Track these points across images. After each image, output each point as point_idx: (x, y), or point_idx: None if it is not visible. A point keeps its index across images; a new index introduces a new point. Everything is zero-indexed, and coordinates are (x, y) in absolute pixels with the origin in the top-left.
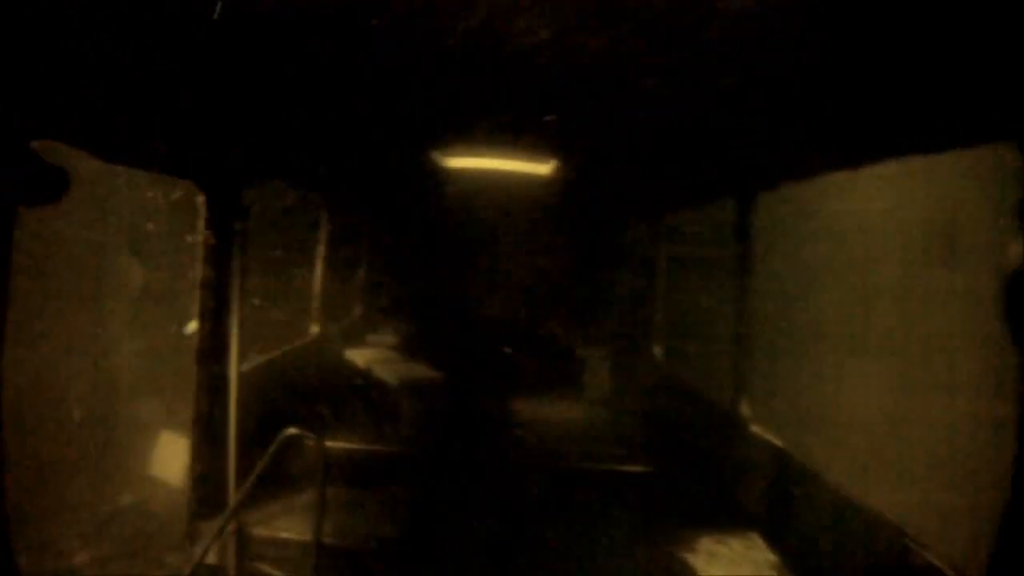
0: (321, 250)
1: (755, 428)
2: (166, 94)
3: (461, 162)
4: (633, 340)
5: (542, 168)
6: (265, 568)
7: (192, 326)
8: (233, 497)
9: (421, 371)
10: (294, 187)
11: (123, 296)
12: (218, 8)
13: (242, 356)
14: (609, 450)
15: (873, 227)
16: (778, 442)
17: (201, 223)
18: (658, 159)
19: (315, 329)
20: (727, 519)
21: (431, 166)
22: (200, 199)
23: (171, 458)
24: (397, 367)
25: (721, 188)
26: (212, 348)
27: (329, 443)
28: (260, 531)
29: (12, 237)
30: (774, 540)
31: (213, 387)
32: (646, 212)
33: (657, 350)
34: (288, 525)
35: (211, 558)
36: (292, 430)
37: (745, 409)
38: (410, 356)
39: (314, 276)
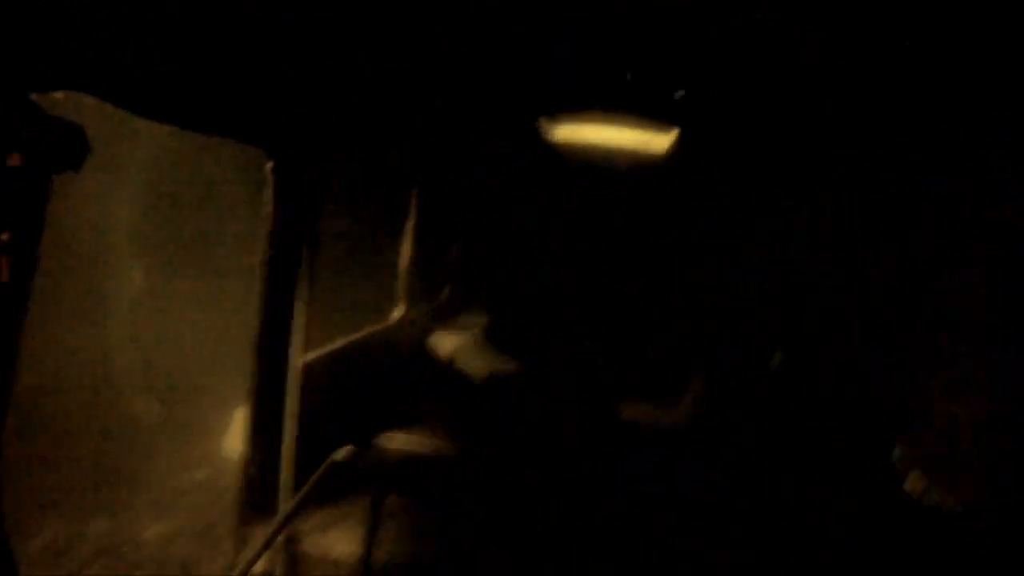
0: (409, 227)
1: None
2: (227, 41)
3: (570, 134)
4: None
5: (660, 141)
6: None
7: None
8: (285, 503)
9: (509, 364)
10: (380, 158)
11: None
12: None
13: (311, 344)
14: (710, 473)
15: None
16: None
17: (268, 193)
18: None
19: (397, 313)
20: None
21: (535, 138)
22: (268, 166)
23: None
24: (483, 358)
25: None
26: (273, 336)
27: (395, 444)
28: (310, 547)
29: (46, 208)
30: None
31: (272, 379)
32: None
33: (776, 357)
34: (341, 539)
35: (259, 567)
36: (342, 453)
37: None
38: (500, 347)
39: (400, 255)
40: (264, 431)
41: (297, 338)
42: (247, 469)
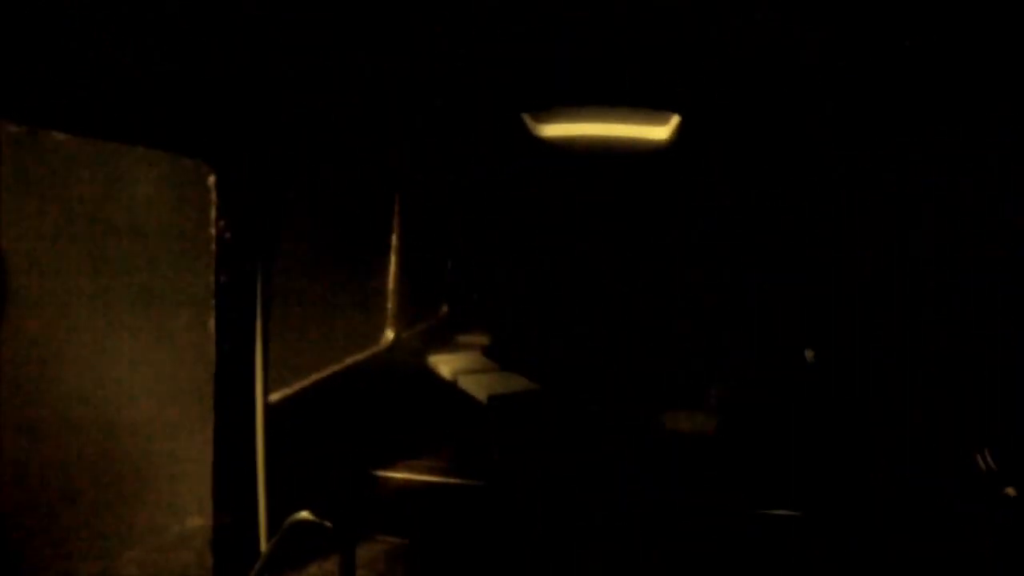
0: (394, 242)
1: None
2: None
3: (562, 129)
4: (775, 341)
5: (659, 131)
6: None
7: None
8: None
9: (517, 383)
10: (354, 166)
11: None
12: None
13: (291, 379)
14: (746, 487)
15: None
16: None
17: (212, 213)
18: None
19: (389, 335)
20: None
21: (527, 137)
22: (210, 180)
23: None
24: (488, 378)
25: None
26: (234, 375)
27: (397, 473)
28: None
29: None
30: None
31: (236, 423)
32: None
33: (809, 353)
34: None
35: None
36: (304, 514)
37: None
38: (507, 365)
39: (387, 272)
40: (232, 482)
41: (259, 375)
42: (216, 529)
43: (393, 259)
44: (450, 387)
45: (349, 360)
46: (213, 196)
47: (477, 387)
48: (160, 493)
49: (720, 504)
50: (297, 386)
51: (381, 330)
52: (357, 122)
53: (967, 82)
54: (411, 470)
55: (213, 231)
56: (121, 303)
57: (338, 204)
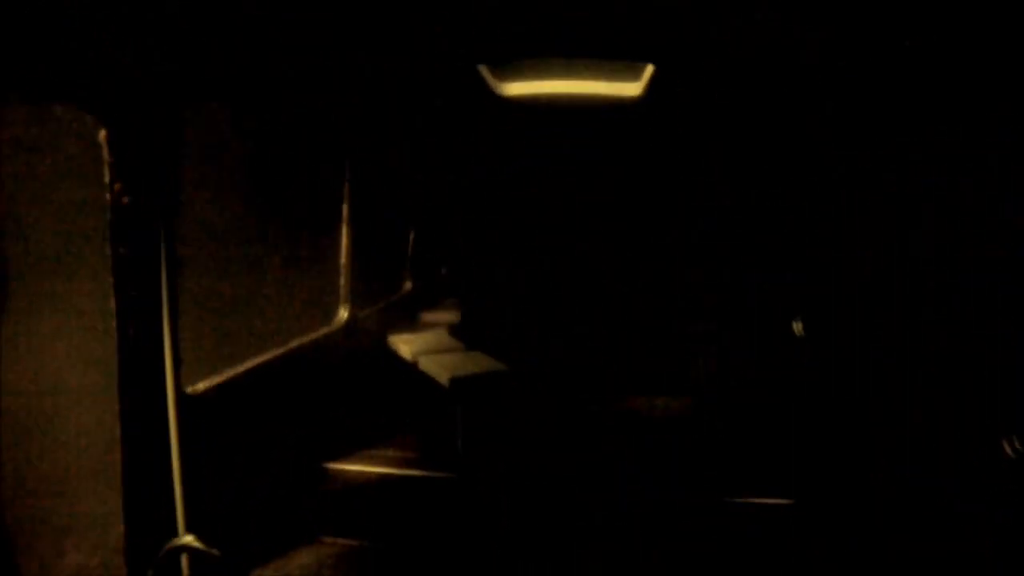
0: (346, 210)
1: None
2: None
3: (523, 87)
4: (760, 312)
5: (630, 88)
6: None
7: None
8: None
9: (483, 363)
10: (289, 120)
11: None
12: None
13: (223, 366)
14: (735, 473)
15: None
16: None
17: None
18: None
19: (342, 314)
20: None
21: (485, 92)
22: (101, 135)
23: None
24: (452, 359)
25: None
26: (141, 360)
27: (350, 465)
28: None
29: None
30: None
31: (149, 416)
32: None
33: (796, 325)
34: None
35: None
36: (187, 539)
37: None
38: (474, 343)
39: (339, 245)
40: (145, 486)
41: (169, 361)
42: (128, 538)
43: (344, 230)
44: (411, 370)
45: (295, 342)
46: (105, 154)
47: (439, 368)
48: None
49: (697, 497)
50: (230, 373)
51: (335, 308)
52: (285, 70)
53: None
54: (365, 462)
55: (107, 196)
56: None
57: (285, 167)
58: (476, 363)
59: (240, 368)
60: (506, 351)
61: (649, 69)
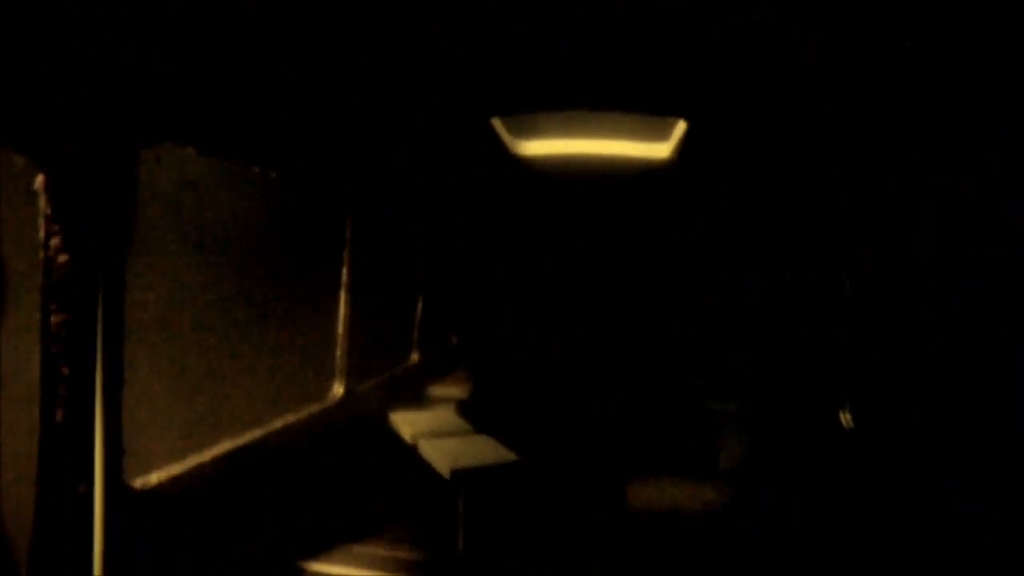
0: (345, 275)
1: None
2: None
3: (543, 146)
4: (799, 392)
5: (659, 149)
6: None
7: None
8: None
9: (490, 451)
10: (287, 172)
11: None
12: None
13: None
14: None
15: None
16: None
17: (41, 225)
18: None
19: (337, 389)
20: None
21: (502, 152)
22: (37, 181)
23: None
24: (455, 444)
25: None
26: (69, 450)
27: (334, 567)
28: None
29: None
30: None
31: (71, 517)
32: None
33: (845, 416)
34: None
35: None
36: None
37: None
38: (484, 423)
39: (337, 312)
40: None
41: (100, 453)
42: None
43: (343, 297)
44: (410, 453)
45: (279, 422)
46: (42, 204)
47: (440, 456)
48: None
49: None
50: (196, 459)
51: (330, 382)
52: (274, 109)
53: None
54: (353, 562)
55: (40, 253)
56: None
57: (278, 224)
58: (482, 451)
59: (209, 453)
60: (518, 432)
61: (680, 127)
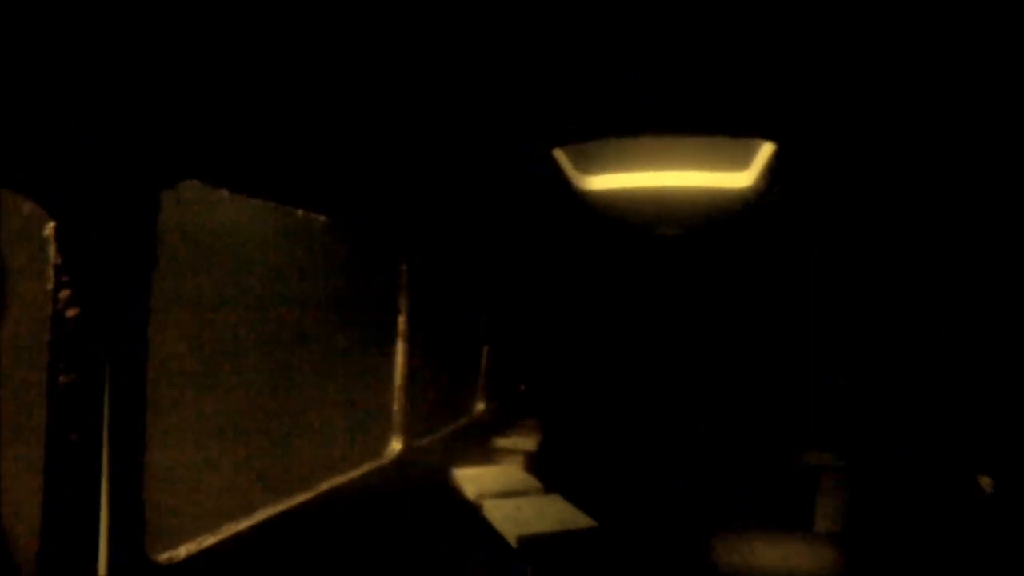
0: (402, 322)
1: None
2: None
3: (610, 180)
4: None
5: (741, 180)
6: None
7: None
8: None
9: (561, 515)
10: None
11: None
12: None
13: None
14: None
15: None
16: None
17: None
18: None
19: (394, 446)
20: None
21: (566, 188)
22: (48, 228)
23: None
24: (524, 506)
25: None
26: (76, 524)
27: None
28: None
29: None
30: None
31: None
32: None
33: (985, 481)
34: None
35: None
36: None
37: None
38: (551, 475)
39: (394, 363)
40: None
41: (105, 539)
42: None
43: (400, 347)
44: (474, 515)
45: (328, 483)
46: (51, 254)
47: (507, 520)
48: None
49: None
50: (233, 528)
51: (386, 438)
52: (316, 153)
53: None
54: None
55: (49, 307)
56: None
57: (329, 269)
58: (552, 514)
59: (248, 522)
60: (592, 488)
61: (763, 152)
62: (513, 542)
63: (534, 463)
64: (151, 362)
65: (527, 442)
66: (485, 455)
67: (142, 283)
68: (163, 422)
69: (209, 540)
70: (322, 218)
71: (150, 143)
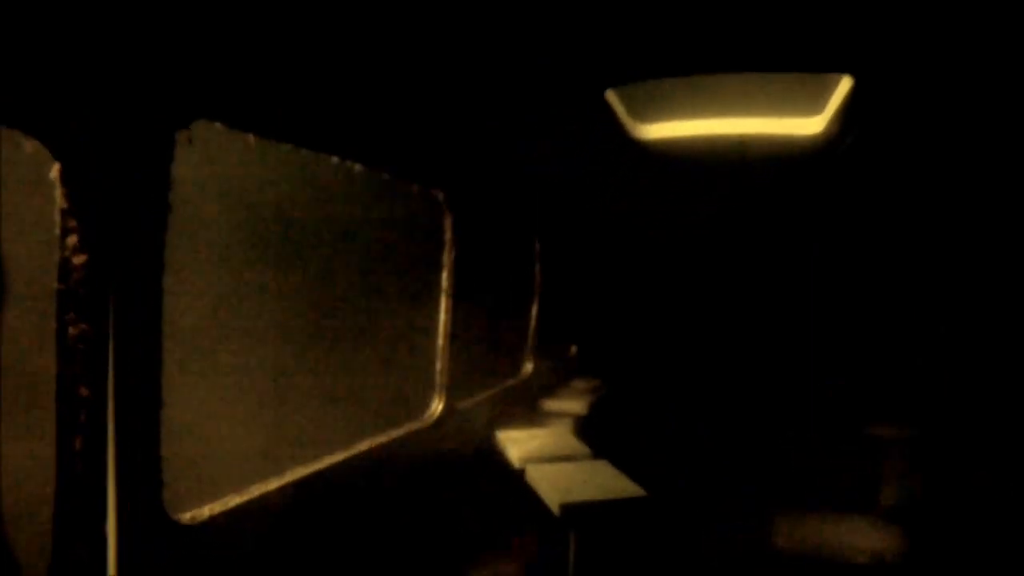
0: (445, 277)
1: None
2: None
3: (667, 128)
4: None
5: (813, 125)
6: None
7: None
8: None
9: (609, 482)
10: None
11: None
12: None
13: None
14: None
15: None
16: None
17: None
18: None
19: (436, 407)
20: None
21: (621, 137)
22: (53, 171)
23: None
24: (569, 471)
25: None
26: (89, 482)
27: None
28: None
29: None
30: None
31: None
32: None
33: None
34: None
35: None
36: None
37: None
38: (601, 440)
39: (438, 321)
40: None
41: (113, 496)
42: None
43: (443, 303)
44: (517, 480)
45: (366, 443)
46: (57, 197)
47: (550, 486)
48: None
49: None
50: (263, 488)
51: (428, 398)
52: (345, 88)
53: None
54: None
55: (56, 254)
56: None
57: (365, 217)
58: (600, 481)
59: (277, 482)
60: (644, 455)
61: (837, 95)
62: (556, 509)
63: (584, 427)
64: (178, 317)
65: (577, 405)
66: (532, 418)
67: (155, 229)
68: (193, 379)
69: (235, 500)
70: (358, 167)
71: (162, 77)
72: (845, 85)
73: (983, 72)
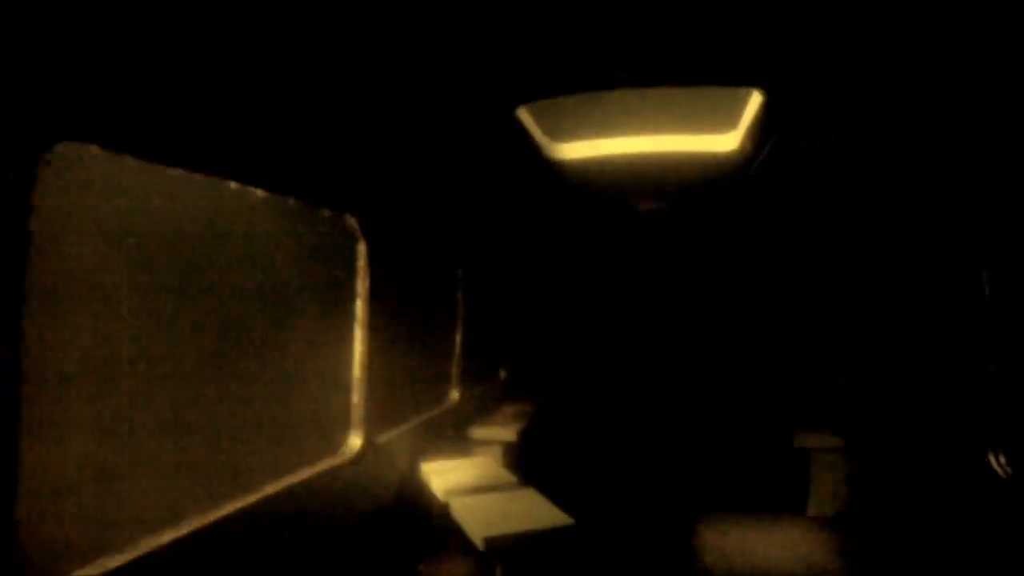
0: (360, 307)
1: None
2: None
3: (582, 148)
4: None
5: (727, 142)
6: None
7: None
8: None
9: (537, 510)
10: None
11: None
12: None
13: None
14: None
15: None
16: None
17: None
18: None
19: (354, 441)
20: None
21: (535, 156)
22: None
23: None
24: (495, 502)
25: None
26: None
27: None
28: None
29: None
30: None
31: None
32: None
33: (1000, 457)
34: None
35: None
36: None
37: None
38: (529, 467)
39: (357, 352)
40: None
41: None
42: None
43: (359, 334)
44: (442, 514)
45: (274, 486)
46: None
47: (475, 519)
48: None
49: None
50: (150, 545)
51: (344, 434)
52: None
53: None
54: None
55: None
56: None
57: (263, 242)
58: (525, 511)
59: (169, 535)
60: (572, 479)
61: (750, 110)
62: (479, 543)
63: (510, 456)
64: (60, 356)
65: (505, 432)
66: (460, 446)
67: (12, 263)
68: (88, 418)
69: (118, 560)
70: (259, 192)
71: (20, 91)
72: (756, 100)
73: (893, 80)
